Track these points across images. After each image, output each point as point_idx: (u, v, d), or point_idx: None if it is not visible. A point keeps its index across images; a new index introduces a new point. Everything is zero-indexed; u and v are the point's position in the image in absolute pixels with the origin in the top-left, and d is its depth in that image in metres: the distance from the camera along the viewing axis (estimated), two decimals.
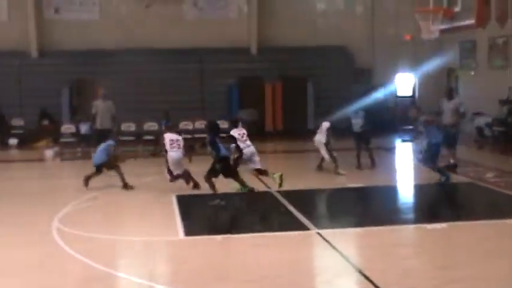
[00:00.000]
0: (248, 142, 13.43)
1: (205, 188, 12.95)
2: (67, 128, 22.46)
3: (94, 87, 22.07)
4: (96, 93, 20.07)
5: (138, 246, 9.66)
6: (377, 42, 26.19)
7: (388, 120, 23.90)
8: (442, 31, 21.03)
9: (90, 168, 14.28)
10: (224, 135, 13.85)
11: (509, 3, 20.65)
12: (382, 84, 25.39)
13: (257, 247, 9.42)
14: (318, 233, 9.93)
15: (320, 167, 15.75)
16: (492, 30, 21.56)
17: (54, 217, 11.20)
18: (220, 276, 8.11)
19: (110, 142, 14.37)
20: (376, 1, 26.50)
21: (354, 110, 16.66)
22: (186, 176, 13.58)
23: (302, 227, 10.41)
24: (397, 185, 15.18)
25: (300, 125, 24.20)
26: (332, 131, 15.54)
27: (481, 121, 20.88)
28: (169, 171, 13.52)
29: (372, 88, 24.73)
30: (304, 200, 13.03)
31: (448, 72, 24.76)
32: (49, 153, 20.69)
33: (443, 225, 10.31)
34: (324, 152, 15.43)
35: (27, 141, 22.77)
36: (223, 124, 22.07)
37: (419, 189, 14.01)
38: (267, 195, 13.25)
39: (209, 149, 12.79)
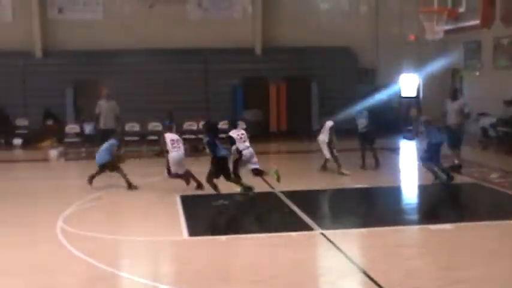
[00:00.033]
0: (247, 143, 13.29)
1: (208, 188, 12.97)
2: (71, 128, 22.49)
3: (98, 87, 22.11)
4: (100, 93, 20.11)
5: (142, 246, 9.67)
6: (381, 42, 26.16)
7: (392, 121, 23.86)
8: (447, 32, 20.98)
9: (94, 168, 14.29)
10: (223, 135, 13.83)
11: None
12: (386, 84, 25.34)
13: (261, 247, 9.42)
14: (322, 234, 9.93)
15: (324, 167, 15.74)
16: (497, 30, 21.51)
17: (59, 217, 11.22)
18: (224, 277, 8.11)
19: (113, 141, 14.39)
20: (380, 1, 26.47)
21: (358, 110, 16.66)
22: (187, 177, 13.62)
23: (306, 228, 10.41)
24: (401, 185, 15.16)
25: (304, 125, 24.18)
26: (336, 131, 15.54)
27: (485, 122, 20.83)
28: (169, 170, 13.63)
29: (375, 88, 24.70)
30: (308, 200, 13.02)
31: (453, 73, 24.72)
32: (53, 153, 20.73)
33: (448, 225, 10.30)
34: (326, 152, 15.43)
35: (31, 141, 22.80)
36: (225, 125, 22.20)
37: (424, 190, 13.99)
38: (270, 195, 13.25)
39: (207, 149, 12.78)
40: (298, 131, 24.07)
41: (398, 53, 25.70)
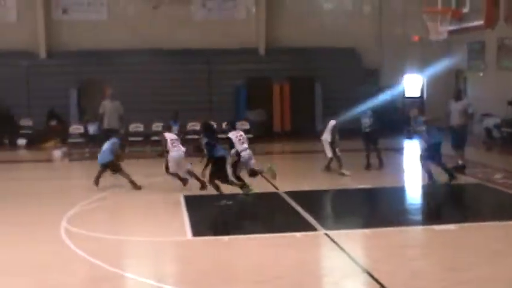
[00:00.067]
0: (245, 145, 13.14)
1: (212, 189, 12.95)
2: (75, 128, 22.53)
3: (102, 87, 22.12)
4: (104, 93, 20.12)
5: (146, 247, 9.68)
6: (385, 43, 26.14)
7: (396, 121, 23.82)
8: (451, 32, 20.97)
9: (97, 169, 14.29)
10: (223, 136, 13.79)
11: None
12: (390, 85, 25.31)
13: (265, 248, 9.43)
14: (326, 234, 9.92)
15: (328, 168, 15.73)
16: (501, 31, 21.47)
17: (63, 217, 11.24)
18: (228, 277, 8.11)
19: (114, 140, 14.44)
20: (384, 2, 26.45)
21: (362, 110, 16.65)
22: (185, 178, 13.70)
23: (309, 228, 10.41)
24: (405, 186, 15.15)
25: (307, 125, 24.17)
26: (339, 130, 15.53)
27: (489, 122, 20.81)
28: (167, 168, 13.74)
29: (379, 89, 24.67)
30: (311, 200, 13.01)
31: (457, 74, 24.69)
32: (57, 153, 20.76)
33: (452, 226, 10.28)
34: (328, 151, 15.43)
35: (35, 141, 22.83)
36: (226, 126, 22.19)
37: (427, 190, 13.96)
38: (274, 196, 13.25)
39: (205, 150, 12.75)
40: (301, 131, 24.06)
41: (402, 53, 25.68)
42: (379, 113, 16.56)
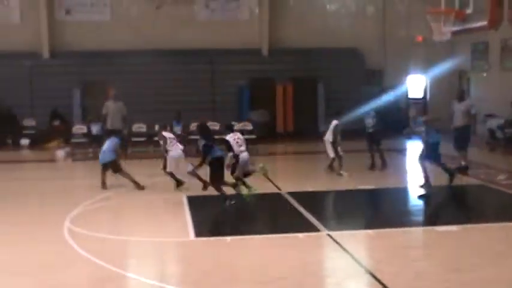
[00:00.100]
0: (243, 147, 13.06)
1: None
2: (78, 128, 22.53)
3: (105, 88, 22.16)
4: (107, 94, 20.14)
5: (149, 247, 9.69)
6: (388, 43, 26.13)
7: (400, 122, 23.80)
8: (454, 33, 20.93)
9: (100, 169, 14.33)
10: (218, 137, 13.75)
11: None
12: (393, 85, 25.30)
13: (267, 248, 9.43)
14: (329, 235, 9.92)
15: (331, 168, 15.71)
16: (504, 31, 21.45)
17: (66, 217, 11.25)
18: (230, 278, 8.11)
19: (115, 139, 14.49)
20: (388, 2, 26.44)
21: (365, 111, 16.65)
22: (181, 180, 13.78)
23: (312, 229, 10.40)
24: (408, 186, 15.13)
25: (310, 126, 24.17)
26: (341, 131, 15.52)
27: (493, 123, 20.78)
28: (164, 166, 13.81)
29: (383, 90, 24.66)
30: (314, 201, 13.01)
31: (460, 74, 24.66)
32: (60, 153, 20.78)
33: (455, 227, 10.27)
34: (330, 151, 15.43)
35: (38, 141, 22.86)
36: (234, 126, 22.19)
37: (430, 192, 13.93)
38: (277, 196, 13.25)
39: (202, 152, 12.71)
40: (304, 131, 24.06)
41: (405, 54, 25.66)
42: (382, 114, 16.55)
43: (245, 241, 9.87)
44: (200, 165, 12.54)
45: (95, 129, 21.40)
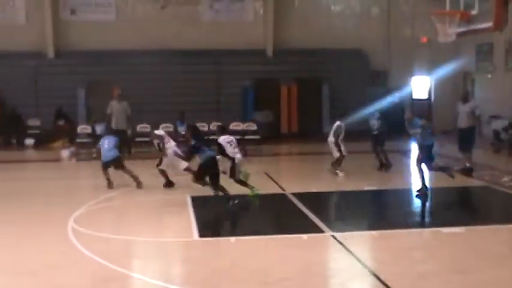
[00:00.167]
0: (236, 150, 12.87)
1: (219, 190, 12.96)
2: (83, 128, 22.58)
3: (110, 87, 22.21)
4: (111, 93, 20.17)
5: (153, 247, 9.70)
6: (393, 44, 26.12)
7: (404, 123, 23.77)
8: (459, 34, 20.89)
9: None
10: (209, 137, 13.73)
11: None
12: (398, 86, 25.29)
13: (272, 249, 9.43)
14: (333, 236, 9.91)
15: (334, 165, 15.68)
16: (509, 33, 21.38)
17: (70, 217, 11.27)
18: (234, 278, 8.12)
19: (113, 137, 14.62)
20: (392, 3, 26.43)
21: (370, 112, 16.64)
22: (172, 181, 13.91)
23: (316, 230, 10.40)
24: (412, 188, 15.11)
25: (315, 127, 24.17)
26: (345, 132, 15.50)
27: (497, 124, 20.74)
28: (160, 162, 13.94)
29: (387, 91, 24.65)
30: (318, 202, 13.01)
31: (465, 76, 24.63)
32: (65, 153, 20.81)
33: (459, 229, 10.26)
34: (334, 152, 15.44)
35: (43, 141, 22.92)
36: (238, 126, 22.24)
37: (435, 193, 13.91)
38: (281, 197, 13.25)
39: (195, 153, 12.70)
40: (309, 132, 24.06)
41: (410, 55, 25.67)
42: (386, 115, 16.54)
43: (249, 241, 9.87)
44: (187, 160, 12.85)
45: (100, 129, 21.46)
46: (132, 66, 24.37)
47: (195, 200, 12.68)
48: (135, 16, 25.51)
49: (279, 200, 13.12)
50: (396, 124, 19.05)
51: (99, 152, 14.55)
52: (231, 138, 13.06)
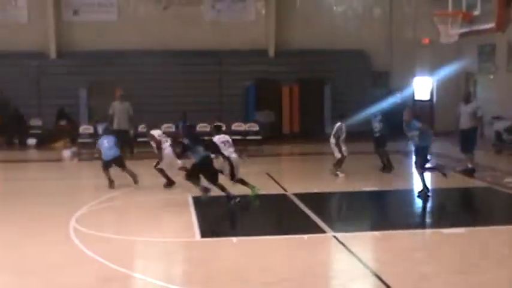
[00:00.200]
0: (231, 149, 12.92)
1: (220, 190, 12.95)
2: (85, 128, 22.60)
3: (112, 88, 22.21)
4: (113, 94, 20.17)
5: (155, 247, 9.70)
6: (395, 45, 26.08)
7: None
8: (461, 35, 20.88)
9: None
10: (205, 137, 13.75)
11: None
12: (400, 87, 25.26)
13: (273, 249, 9.44)
14: (334, 236, 9.91)
15: (336, 166, 15.68)
16: None
17: (72, 217, 11.27)
18: (235, 278, 8.12)
19: (111, 136, 14.67)
20: (394, 4, 26.40)
21: (372, 114, 16.62)
22: (173, 180, 13.90)
23: (318, 230, 10.40)
24: (414, 189, 15.10)
25: (316, 127, 24.16)
26: (347, 133, 15.50)
27: (499, 125, 20.71)
28: (158, 162, 14.00)
29: (389, 91, 24.62)
30: (320, 202, 13.01)
31: (467, 76, 24.61)
32: (67, 153, 20.82)
33: (461, 230, 10.26)
34: (336, 153, 15.43)
35: (45, 141, 22.92)
36: (240, 126, 22.24)
37: (436, 194, 13.90)
38: (282, 197, 13.25)
39: (189, 153, 12.73)
40: (310, 133, 24.06)
41: (412, 56, 25.63)
42: (388, 116, 16.52)
43: (251, 242, 9.87)
44: (180, 158, 13.09)
45: (102, 129, 21.46)
46: (134, 66, 24.36)
47: (196, 200, 12.68)
48: (137, 16, 25.50)
49: (280, 201, 13.12)
50: (398, 125, 19.06)
51: (99, 152, 14.58)
52: (227, 138, 13.11)
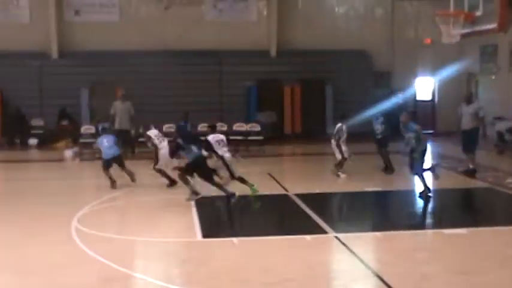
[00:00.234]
0: (225, 148, 13.01)
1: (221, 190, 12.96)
2: (87, 128, 22.60)
3: (113, 88, 22.21)
4: (115, 94, 20.18)
5: (156, 247, 9.70)
6: (397, 45, 26.08)
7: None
8: (463, 35, 20.87)
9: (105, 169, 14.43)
10: (203, 138, 13.79)
11: None
12: (402, 88, 25.27)
13: (274, 250, 9.43)
14: (336, 237, 9.90)
15: (337, 166, 15.68)
16: None
17: (74, 217, 11.28)
18: (237, 279, 8.11)
19: (112, 136, 14.69)
20: (396, 4, 26.39)
21: (373, 115, 16.60)
22: (175, 179, 13.84)
23: (320, 231, 10.38)
24: (416, 189, 15.09)
25: (318, 127, 24.17)
26: (348, 134, 15.49)
27: (501, 126, 20.70)
28: (155, 164, 14.07)
29: (391, 92, 24.62)
30: (322, 203, 13.01)
31: (468, 77, 24.59)
32: (68, 153, 20.83)
33: (462, 230, 10.24)
34: (337, 154, 15.43)
35: (47, 141, 22.94)
36: (242, 127, 22.22)
37: (438, 194, 13.89)
38: (284, 198, 13.24)
39: (183, 152, 12.75)
40: (312, 133, 24.06)
41: (414, 56, 25.64)
42: (390, 116, 16.51)
43: (252, 242, 9.86)
44: (172, 157, 13.23)
45: (100, 128, 21.46)
46: (136, 66, 24.38)
47: (198, 200, 12.67)
48: (139, 17, 25.52)
49: (282, 201, 13.12)
50: (399, 126, 19.07)
51: (99, 151, 14.60)
52: (221, 137, 13.24)
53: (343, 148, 15.38)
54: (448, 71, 24.39)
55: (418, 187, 14.43)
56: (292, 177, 17.00)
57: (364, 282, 8.06)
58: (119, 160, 14.39)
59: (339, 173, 15.35)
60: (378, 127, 16.07)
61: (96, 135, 21.69)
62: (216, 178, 12.78)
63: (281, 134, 24.43)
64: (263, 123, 22.88)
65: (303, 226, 10.85)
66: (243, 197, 12.59)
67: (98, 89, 24.12)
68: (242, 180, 13.00)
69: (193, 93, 24.14)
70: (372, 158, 16.70)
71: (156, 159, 14.12)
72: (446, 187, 13.97)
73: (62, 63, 24.80)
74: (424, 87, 26.16)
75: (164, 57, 24.46)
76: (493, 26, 21.79)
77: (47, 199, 13.39)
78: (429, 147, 19.82)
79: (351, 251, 9.16)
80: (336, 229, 10.35)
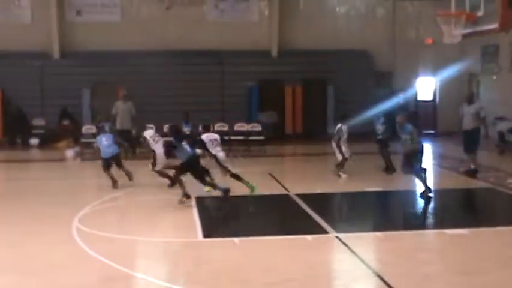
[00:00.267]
0: (218, 148, 13.19)
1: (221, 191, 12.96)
2: (88, 128, 22.60)
3: (115, 88, 22.21)
4: (116, 94, 20.17)
5: (157, 247, 9.70)
6: (398, 45, 26.07)
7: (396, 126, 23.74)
8: (465, 35, 20.86)
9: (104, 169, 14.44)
10: (198, 138, 13.84)
11: None
12: (403, 88, 25.26)
13: (275, 250, 9.43)
14: (337, 237, 9.90)
15: (338, 167, 15.68)
16: None
17: (75, 217, 11.28)
18: (238, 279, 8.11)
19: (110, 135, 14.71)
20: (398, 4, 26.38)
21: (375, 116, 16.59)
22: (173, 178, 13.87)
23: (321, 231, 10.38)
24: (417, 189, 15.08)
25: (319, 128, 24.16)
26: (349, 134, 15.48)
27: (503, 126, 20.69)
28: (153, 165, 14.09)
29: (392, 92, 24.61)
30: (323, 203, 13.00)
31: (470, 77, 24.58)
32: (70, 153, 20.83)
33: (464, 230, 10.23)
34: (337, 154, 15.44)
35: (48, 141, 22.96)
36: (243, 127, 22.23)
37: (439, 194, 13.89)
38: (285, 198, 13.24)
39: (176, 152, 12.80)
40: (313, 133, 24.06)
41: (415, 56, 25.62)
42: (391, 116, 16.50)
43: (253, 242, 9.86)
44: (167, 157, 13.43)
45: (99, 128, 21.45)
46: (137, 66, 24.38)
47: (199, 200, 12.68)
48: (140, 17, 25.53)
49: (283, 201, 13.12)
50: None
51: (98, 150, 14.61)
52: (215, 136, 13.44)
53: (344, 148, 15.38)
54: (450, 71, 24.38)
55: (419, 187, 14.45)
56: (293, 177, 16.99)
57: (365, 282, 8.06)
58: (116, 159, 14.42)
59: (340, 173, 15.36)
60: (379, 127, 16.07)
61: (97, 135, 21.77)
62: (207, 178, 12.90)
63: (282, 134, 24.43)
64: (264, 123, 22.88)
65: (304, 226, 10.85)
66: (243, 198, 12.58)
67: (99, 89, 24.12)
68: (237, 177, 13.07)
69: (194, 93, 24.15)
70: (373, 158, 16.69)
71: (154, 160, 14.10)
72: (448, 187, 13.97)
73: (64, 63, 24.81)
74: (426, 87, 26.14)
75: (166, 57, 24.47)
76: (494, 26, 21.80)
77: (48, 199, 13.40)
78: (428, 148, 19.92)
79: (351, 251, 9.16)
80: (336, 229, 10.35)
